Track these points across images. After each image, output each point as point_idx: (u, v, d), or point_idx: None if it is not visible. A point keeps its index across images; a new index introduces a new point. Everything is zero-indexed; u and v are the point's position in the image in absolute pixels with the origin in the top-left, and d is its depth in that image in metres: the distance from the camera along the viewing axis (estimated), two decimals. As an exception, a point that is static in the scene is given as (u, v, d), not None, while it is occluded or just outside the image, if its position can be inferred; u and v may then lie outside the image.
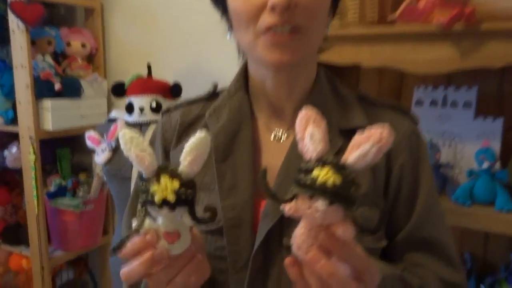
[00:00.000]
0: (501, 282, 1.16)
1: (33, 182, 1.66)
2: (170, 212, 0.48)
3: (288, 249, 0.62)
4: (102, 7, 1.90)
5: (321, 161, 0.45)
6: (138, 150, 0.48)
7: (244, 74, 0.74)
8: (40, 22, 1.60)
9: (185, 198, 0.48)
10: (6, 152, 1.84)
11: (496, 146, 1.13)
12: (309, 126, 0.47)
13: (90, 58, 1.88)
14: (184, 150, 0.50)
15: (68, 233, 1.75)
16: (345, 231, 0.45)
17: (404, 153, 0.68)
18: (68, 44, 1.79)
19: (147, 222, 0.50)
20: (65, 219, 1.72)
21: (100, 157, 1.46)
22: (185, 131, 0.74)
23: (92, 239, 1.85)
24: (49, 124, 1.65)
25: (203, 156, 0.50)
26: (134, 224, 0.50)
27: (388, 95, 1.37)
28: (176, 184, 0.48)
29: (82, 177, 1.89)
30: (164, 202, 0.47)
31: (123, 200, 1.48)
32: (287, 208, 0.47)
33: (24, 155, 1.68)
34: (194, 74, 1.73)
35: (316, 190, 0.44)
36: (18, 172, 1.77)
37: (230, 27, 0.68)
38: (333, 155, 0.46)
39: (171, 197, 0.47)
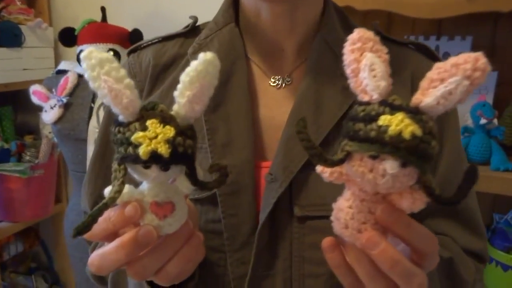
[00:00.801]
0: (484, 242, 1.12)
1: (-31, 145, 1.45)
2: (162, 172, 0.34)
3: (300, 220, 0.50)
4: None
5: (388, 104, 0.32)
6: (112, 80, 0.32)
7: (232, 2, 0.59)
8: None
9: (183, 152, 0.33)
10: None
11: (488, 101, 1.07)
12: (366, 55, 0.34)
13: (31, 1, 1.66)
14: (182, 82, 0.34)
15: (14, 202, 1.59)
16: (413, 203, 0.33)
17: None
18: (3, -18, 1.53)
19: (126, 188, 0.35)
20: (9, 187, 1.56)
21: (49, 115, 1.29)
22: (160, 75, 0.59)
23: (43, 208, 1.69)
24: (-16, 77, 1.43)
25: (210, 90, 0.35)
26: (107, 191, 0.35)
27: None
28: (170, 131, 0.33)
29: (28, 139, 1.71)
30: (154, 157, 0.32)
31: (79, 164, 1.32)
32: (329, 172, 0.35)
33: (-44, 114, 1.46)
34: (154, 20, 1.55)
35: (386, 146, 0.30)
36: (-50, 133, 1.57)
37: None
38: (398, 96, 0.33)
39: (164, 150, 0.32)
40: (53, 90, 1.32)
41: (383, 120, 0.31)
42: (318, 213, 0.50)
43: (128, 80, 0.33)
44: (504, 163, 0.99)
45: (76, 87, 1.31)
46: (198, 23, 0.62)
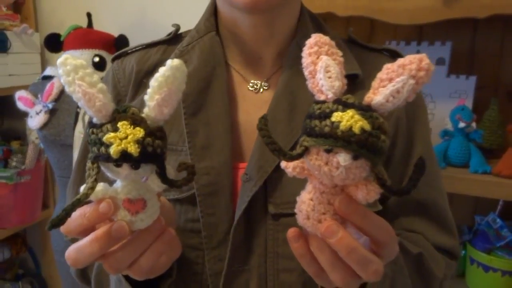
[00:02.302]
0: (466, 244, 1.14)
1: (-46, 151, 1.44)
2: (132, 171, 0.36)
3: (275, 217, 0.52)
4: None
5: (342, 102, 0.34)
6: (86, 85, 0.35)
7: (214, 11, 0.61)
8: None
9: (152, 152, 0.36)
10: None
11: (468, 105, 1.09)
12: (322, 57, 0.36)
13: (17, 7, 1.65)
14: (151, 86, 0.37)
15: (1, 208, 1.57)
16: (368, 194, 0.35)
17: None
18: (-11, -12, 1.53)
19: (101, 186, 0.38)
20: (-4, 193, 1.53)
21: (35, 120, 1.28)
22: (143, 81, 0.61)
23: (30, 213, 1.67)
24: (-31, 83, 1.43)
25: (177, 94, 0.37)
26: (82, 188, 0.37)
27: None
28: (140, 132, 0.35)
29: (14, 145, 1.69)
30: (124, 156, 0.35)
31: (65, 170, 1.32)
32: (291, 167, 0.37)
33: None
34: (140, 25, 1.56)
35: (338, 140, 0.33)
36: None
37: None
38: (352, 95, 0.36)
39: (134, 149, 0.35)
40: (39, 95, 1.31)
41: (336, 116, 0.34)
42: (291, 211, 0.51)
43: (101, 85, 0.36)
44: (482, 165, 1.01)
45: (62, 92, 1.31)
46: (181, 31, 0.64)
